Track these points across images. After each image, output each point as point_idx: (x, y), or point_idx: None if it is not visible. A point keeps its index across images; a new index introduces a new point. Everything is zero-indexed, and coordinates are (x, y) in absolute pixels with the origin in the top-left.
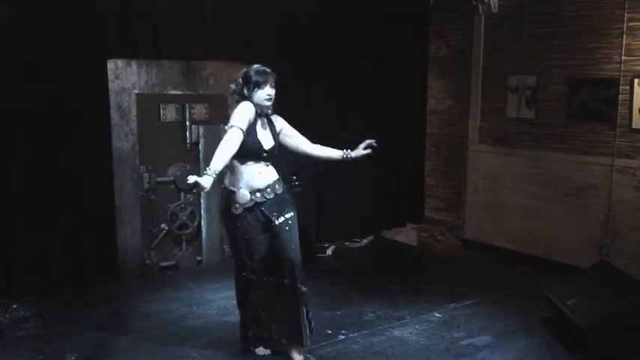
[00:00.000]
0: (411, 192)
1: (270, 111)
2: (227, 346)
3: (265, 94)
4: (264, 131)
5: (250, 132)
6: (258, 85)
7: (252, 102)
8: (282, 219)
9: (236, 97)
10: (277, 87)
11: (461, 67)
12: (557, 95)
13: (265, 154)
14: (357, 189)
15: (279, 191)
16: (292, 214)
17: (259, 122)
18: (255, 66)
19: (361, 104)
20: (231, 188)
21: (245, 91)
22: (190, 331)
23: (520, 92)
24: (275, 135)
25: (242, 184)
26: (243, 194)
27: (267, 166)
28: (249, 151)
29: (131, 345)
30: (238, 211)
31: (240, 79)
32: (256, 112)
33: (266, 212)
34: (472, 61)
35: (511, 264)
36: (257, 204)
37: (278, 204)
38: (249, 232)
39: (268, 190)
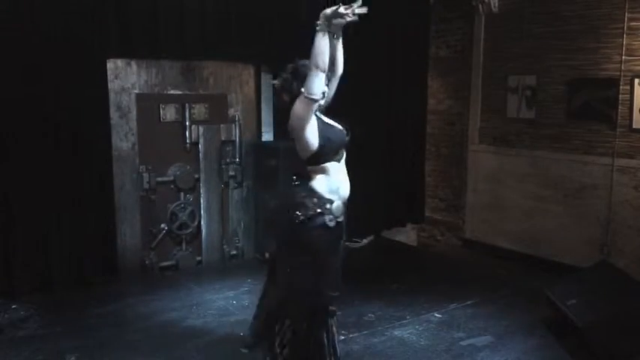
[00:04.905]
0: (411, 192)
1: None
2: (227, 346)
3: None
4: (326, 119)
5: (319, 124)
6: None
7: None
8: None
9: (284, 96)
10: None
11: (461, 67)
12: (557, 95)
13: (347, 133)
14: (357, 189)
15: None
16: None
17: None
18: (305, 61)
19: (361, 104)
20: (329, 196)
21: (295, 87)
22: (190, 331)
23: (520, 92)
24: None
25: (333, 193)
26: (338, 206)
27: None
28: (330, 142)
29: (131, 345)
30: (332, 224)
31: (289, 75)
32: None
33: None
34: (472, 61)
35: (511, 264)
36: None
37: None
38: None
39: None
